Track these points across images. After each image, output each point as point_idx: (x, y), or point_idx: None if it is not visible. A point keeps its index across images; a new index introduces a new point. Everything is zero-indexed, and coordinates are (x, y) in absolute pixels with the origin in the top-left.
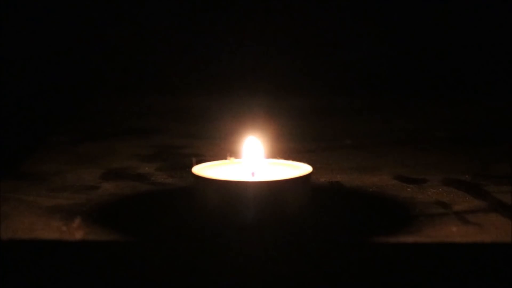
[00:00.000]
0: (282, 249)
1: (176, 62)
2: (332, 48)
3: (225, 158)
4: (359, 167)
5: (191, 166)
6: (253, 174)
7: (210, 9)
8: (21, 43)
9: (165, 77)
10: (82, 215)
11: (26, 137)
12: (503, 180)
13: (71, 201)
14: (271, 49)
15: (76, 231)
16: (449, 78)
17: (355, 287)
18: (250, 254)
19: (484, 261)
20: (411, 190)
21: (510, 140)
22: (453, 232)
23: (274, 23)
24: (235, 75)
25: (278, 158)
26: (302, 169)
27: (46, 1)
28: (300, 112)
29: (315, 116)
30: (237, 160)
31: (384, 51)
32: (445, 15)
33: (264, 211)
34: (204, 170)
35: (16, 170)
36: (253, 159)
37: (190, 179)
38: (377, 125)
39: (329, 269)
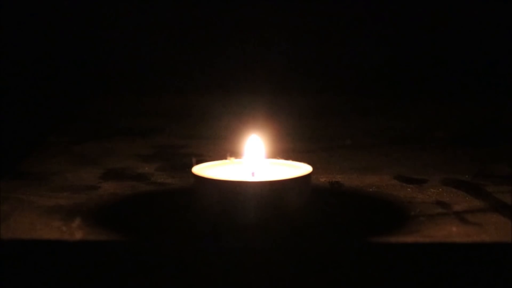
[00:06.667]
0: (282, 249)
1: (176, 62)
2: (332, 47)
3: (225, 158)
4: (359, 167)
5: (191, 166)
6: (253, 174)
7: (210, 9)
8: (21, 43)
9: (165, 77)
10: (82, 215)
11: (26, 137)
12: (503, 180)
13: (71, 201)
14: (271, 49)
15: (76, 231)
16: (449, 78)
17: (355, 287)
18: (250, 254)
19: (484, 261)
20: (411, 190)
21: (510, 140)
22: (453, 232)
23: (274, 23)
24: (235, 74)
25: (278, 158)
26: (302, 169)
27: (46, 0)
28: (300, 112)
29: (315, 116)
30: (237, 160)
31: (384, 51)
32: (445, 15)
33: (264, 211)
34: (204, 170)
35: (16, 170)
36: (253, 159)
37: (190, 179)
38: (377, 125)
39: (329, 269)
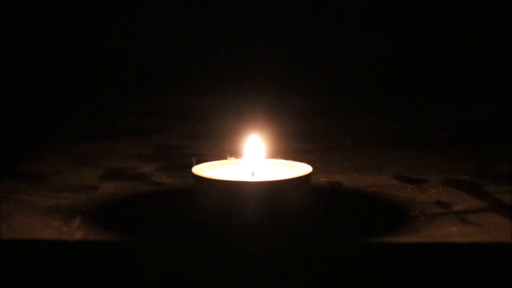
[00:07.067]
0: (282, 249)
1: (177, 61)
2: (332, 48)
3: (225, 158)
4: (359, 167)
5: (191, 166)
6: (253, 174)
7: (210, 9)
8: (21, 43)
9: (165, 77)
10: (82, 215)
11: (26, 137)
12: (503, 180)
13: (71, 201)
14: (271, 49)
15: (76, 231)
16: (449, 78)
17: (355, 287)
18: (250, 254)
19: (484, 261)
20: (411, 190)
21: (510, 140)
22: (453, 232)
23: (274, 23)
24: (235, 75)
25: (278, 158)
26: (302, 169)
27: (46, 0)
28: (300, 112)
29: (315, 116)
30: (237, 160)
31: (384, 51)
32: (445, 15)
33: (264, 211)
34: (204, 170)
35: (16, 170)
36: (253, 159)
37: (190, 179)
38: (377, 125)
39: (329, 269)
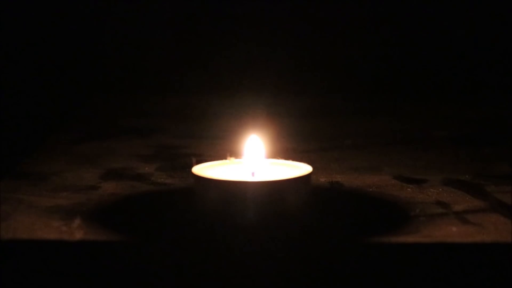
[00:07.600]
0: (282, 249)
1: (176, 61)
2: (332, 48)
3: (225, 158)
4: (359, 167)
5: (191, 166)
6: (253, 174)
7: (209, 8)
8: (21, 43)
9: (165, 77)
10: (82, 215)
11: (26, 137)
12: (503, 180)
13: (71, 201)
14: (271, 49)
15: (76, 231)
16: (449, 78)
17: (355, 287)
18: (250, 254)
19: (484, 261)
20: (411, 190)
21: (510, 140)
22: (453, 232)
23: (274, 23)
24: (235, 74)
25: (278, 158)
26: (302, 169)
27: (45, 0)
28: (300, 112)
29: (315, 116)
30: (237, 160)
31: (384, 51)
32: (444, 15)
33: (264, 211)
34: (204, 170)
35: (16, 170)
36: (253, 159)
37: (190, 179)
38: (377, 125)
39: (329, 269)
